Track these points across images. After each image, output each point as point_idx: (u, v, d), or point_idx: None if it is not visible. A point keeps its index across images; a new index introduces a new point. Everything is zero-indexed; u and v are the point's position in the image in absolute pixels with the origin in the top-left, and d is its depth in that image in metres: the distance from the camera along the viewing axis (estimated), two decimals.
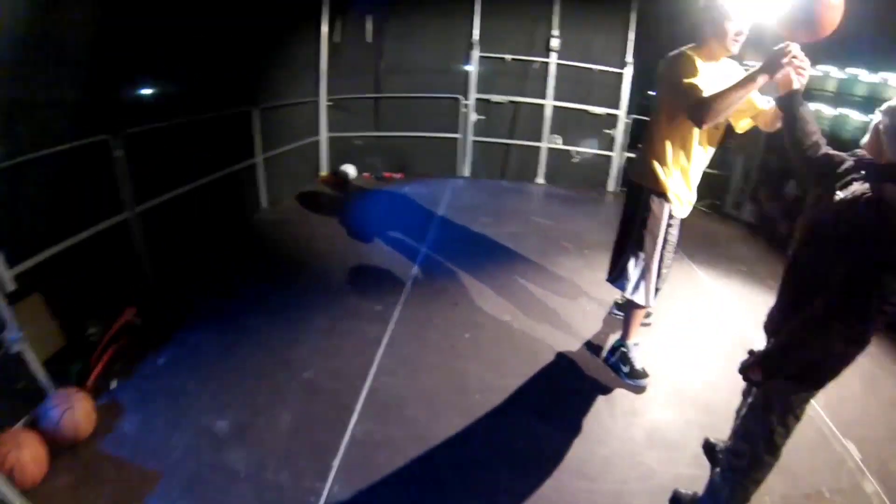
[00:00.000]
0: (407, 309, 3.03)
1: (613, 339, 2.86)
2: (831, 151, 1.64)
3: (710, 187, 6.33)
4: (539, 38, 5.68)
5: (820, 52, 1.79)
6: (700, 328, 3.23)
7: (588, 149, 6.00)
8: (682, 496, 2.00)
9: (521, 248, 3.99)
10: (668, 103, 2.27)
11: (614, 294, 3.20)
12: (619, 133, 5.90)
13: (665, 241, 2.45)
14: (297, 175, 5.27)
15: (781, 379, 1.58)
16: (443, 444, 2.11)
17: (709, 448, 2.23)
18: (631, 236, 2.52)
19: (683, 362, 2.85)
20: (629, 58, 5.71)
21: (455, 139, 5.88)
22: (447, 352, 2.71)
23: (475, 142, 5.89)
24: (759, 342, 1.68)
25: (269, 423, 2.14)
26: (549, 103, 5.80)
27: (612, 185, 6.08)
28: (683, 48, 2.23)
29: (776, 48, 1.77)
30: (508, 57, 5.63)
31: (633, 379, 2.64)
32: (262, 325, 2.81)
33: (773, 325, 1.73)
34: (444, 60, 5.76)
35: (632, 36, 5.68)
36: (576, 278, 3.60)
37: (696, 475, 2.05)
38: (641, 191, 2.45)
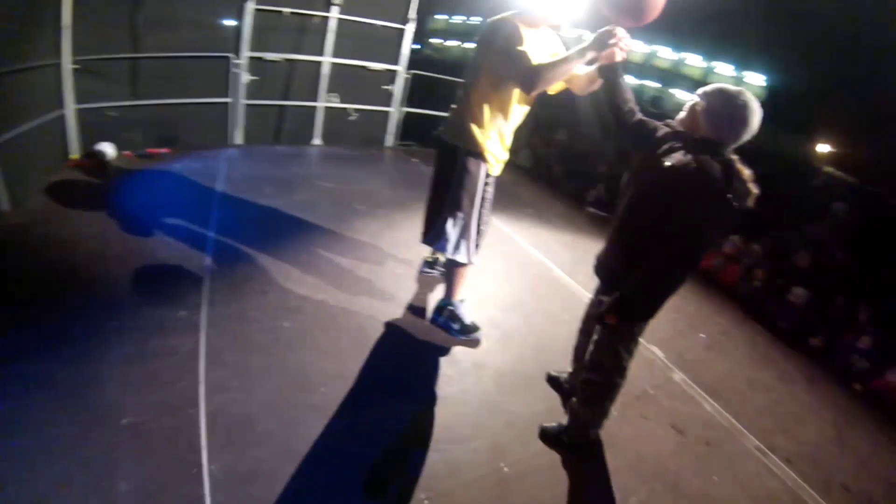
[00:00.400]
0: (214, 308, 2.75)
1: (433, 298, 3.11)
2: (645, 118, 2.04)
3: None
4: None
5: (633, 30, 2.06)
6: (509, 271, 3.76)
7: (367, 106, 6.08)
8: (549, 429, 2.35)
9: (315, 217, 3.95)
10: (491, 69, 2.34)
11: (420, 252, 3.48)
12: (398, 89, 6.13)
13: (483, 199, 2.59)
14: (41, 162, 4.02)
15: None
16: (314, 451, 2.04)
17: (552, 380, 2.68)
18: (447, 197, 2.59)
19: (503, 306, 3.28)
20: (412, 13, 5.81)
21: (225, 104, 5.27)
22: (273, 347, 2.58)
23: (248, 105, 5.37)
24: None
25: None
26: (328, 60, 5.58)
27: (390, 140, 6.38)
28: (506, 14, 2.32)
29: (604, 29, 2.02)
30: (286, 10, 5.15)
31: (467, 334, 2.83)
32: (42, 370, 2.16)
33: (608, 271, 2.10)
34: (213, 13, 4.99)
35: None
36: (378, 241, 3.77)
37: (551, 407, 2.52)
38: (457, 151, 2.52)
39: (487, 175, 2.58)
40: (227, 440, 2.03)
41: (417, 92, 6.37)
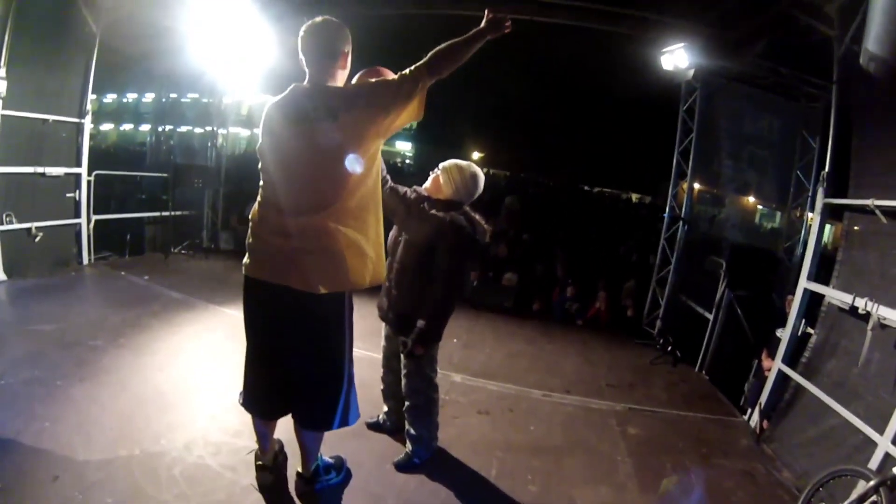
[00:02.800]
0: None
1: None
2: (395, 185, 2.57)
3: (186, 229, 6.85)
4: None
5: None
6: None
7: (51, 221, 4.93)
8: (400, 461, 2.64)
9: (53, 370, 3.09)
10: (372, 125, 1.87)
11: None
12: (84, 195, 5.23)
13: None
14: None
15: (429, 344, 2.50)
16: None
17: (373, 426, 2.92)
18: (345, 345, 2.08)
19: None
20: (88, 105, 5.08)
21: None
22: None
23: None
24: None
25: None
26: None
27: (86, 256, 5.37)
28: (323, 85, 1.92)
29: (495, 16, 1.90)
30: None
31: (341, 469, 2.51)
32: None
33: (398, 314, 2.53)
34: None
35: (92, 77, 5.03)
36: (139, 374, 3.21)
37: (387, 445, 2.77)
38: (334, 299, 1.97)
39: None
40: None
41: (98, 191, 5.60)
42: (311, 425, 2.16)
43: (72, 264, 5.24)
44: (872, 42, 2.78)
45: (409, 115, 1.95)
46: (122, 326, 3.88)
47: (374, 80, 1.99)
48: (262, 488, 2.29)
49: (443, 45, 1.89)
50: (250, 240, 2.01)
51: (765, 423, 3.68)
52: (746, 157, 6.65)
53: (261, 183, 2.01)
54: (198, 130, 9.67)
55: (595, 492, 2.76)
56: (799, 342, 3.73)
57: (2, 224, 4.49)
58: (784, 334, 3.83)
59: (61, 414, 2.71)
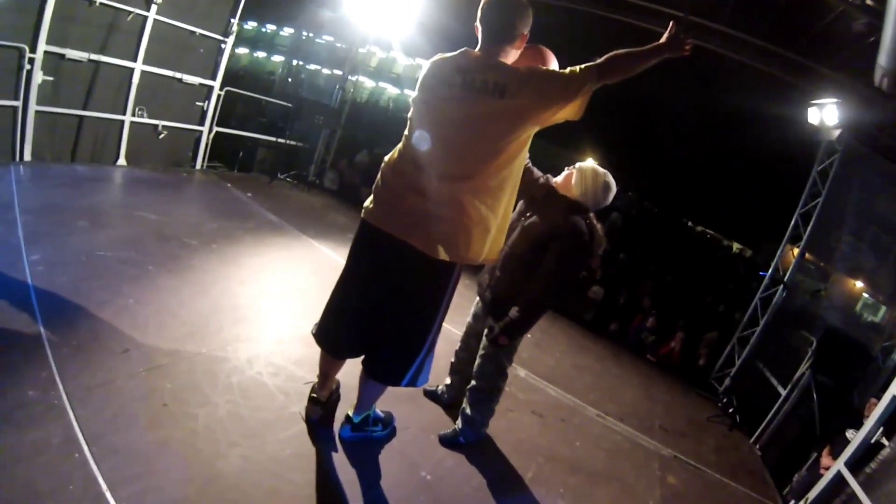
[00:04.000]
0: (73, 382, 2.16)
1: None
2: (534, 170, 2.53)
3: (296, 159, 7.15)
4: None
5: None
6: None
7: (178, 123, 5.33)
8: (446, 435, 2.67)
9: (147, 256, 3.38)
10: (534, 112, 1.84)
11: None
12: (211, 106, 5.58)
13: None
14: None
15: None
16: None
17: (430, 394, 2.99)
18: (440, 311, 2.08)
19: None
20: (234, 27, 5.33)
21: (12, 108, 3.99)
22: (163, 416, 2.16)
23: (40, 113, 4.16)
24: None
25: None
26: (140, 67, 4.69)
27: (199, 162, 5.76)
28: (496, 59, 1.89)
29: (676, 33, 1.84)
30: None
31: (389, 427, 2.57)
32: None
33: (493, 295, 2.52)
34: None
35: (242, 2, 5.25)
36: (223, 279, 3.47)
37: (435, 417, 2.83)
38: (447, 268, 1.98)
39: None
40: None
41: (224, 107, 5.97)
42: (381, 377, 2.20)
43: (185, 166, 5.65)
44: (886, 57, 2.52)
45: (569, 112, 1.90)
46: (217, 233, 4.13)
47: (544, 68, 1.93)
48: (309, 419, 2.42)
49: (619, 52, 1.83)
50: (381, 188, 2.02)
51: None
52: (869, 238, 6.05)
53: (405, 133, 2.00)
54: (326, 72, 9.97)
55: None
56: (869, 450, 3.40)
57: (134, 116, 4.89)
58: (856, 437, 3.50)
59: (145, 297, 2.95)
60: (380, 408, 2.52)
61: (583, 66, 1.84)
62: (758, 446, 4.69)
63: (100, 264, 3.15)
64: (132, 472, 1.88)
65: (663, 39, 1.85)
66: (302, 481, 2.13)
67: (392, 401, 2.58)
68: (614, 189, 2.50)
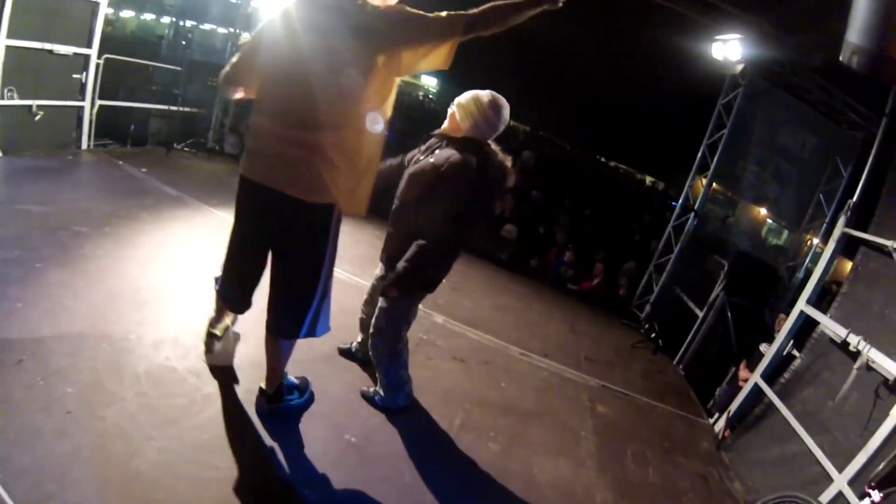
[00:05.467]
0: None
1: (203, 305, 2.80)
2: (405, 156, 2.43)
3: (193, 127, 6.64)
4: None
5: None
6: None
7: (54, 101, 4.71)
8: (367, 393, 2.64)
9: (34, 251, 3.01)
10: (388, 44, 1.78)
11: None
12: (91, 77, 4.99)
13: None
14: None
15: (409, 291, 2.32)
16: None
17: (344, 352, 2.92)
18: (325, 259, 2.08)
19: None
20: None
21: None
22: (70, 424, 1.99)
23: None
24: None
25: None
26: (3, 42, 4.06)
27: (85, 141, 5.19)
28: None
29: None
30: None
31: (304, 393, 2.47)
32: None
33: (387, 250, 2.39)
34: None
35: None
36: (119, 264, 3.18)
37: (357, 375, 2.77)
38: (323, 211, 1.98)
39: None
40: None
41: (109, 78, 5.39)
42: (279, 331, 2.17)
43: (70, 148, 5.08)
44: (856, 33, 2.49)
45: (433, 61, 1.86)
46: (110, 216, 3.78)
47: (407, 10, 1.82)
48: (210, 359, 2.47)
49: (493, 5, 1.78)
50: (250, 141, 2.04)
51: (727, 432, 3.77)
52: (772, 167, 6.51)
53: (259, 84, 1.96)
54: (221, 31, 9.21)
55: (554, 463, 2.83)
56: (781, 362, 3.76)
57: (2, 98, 4.27)
58: (769, 350, 3.86)
59: (34, 297, 2.68)
60: (293, 374, 2.47)
61: (451, 13, 1.77)
62: (681, 367, 5.10)
63: None
64: (46, 491, 1.75)
65: None
66: (225, 465, 2.07)
67: (308, 365, 2.55)
68: (505, 106, 2.27)
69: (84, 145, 5.21)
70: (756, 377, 3.81)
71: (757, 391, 3.77)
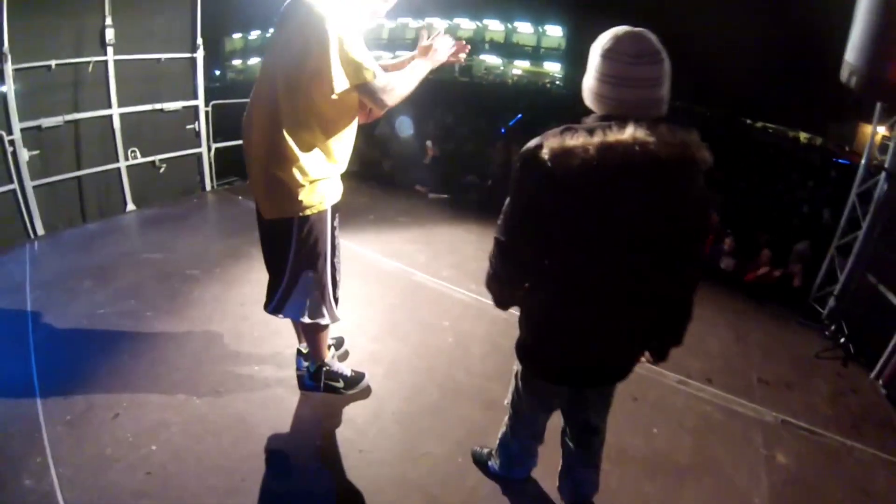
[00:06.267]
0: (64, 463, 2.04)
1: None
2: None
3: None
4: (89, 32, 4.31)
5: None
6: (369, 293, 3.45)
7: (173, 153, 5.17)
8: (476, 452, 2.21)
9: (146, 301, 3.22)
10: (317, 77, 1.77)
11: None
12: (202, 125, 5.38)
13: (334, 246, 2.18)
14: None
15: None
16: None
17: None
18: (288, 266, 2.13)
19: (376, 335, 3.03)
20: (199, 39, 5.08)
21: (11, 192, 4.03)
22: (149, 484, 2.02)
23: (37, 187, 4.17)
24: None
25: None
26: (117, 111, 4.60)
27: (208, 183, 5.59)
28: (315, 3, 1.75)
29: (442, 38, 1.97)
30: (54, 63, 4.12)
31: (354, 387, 2.51)
32: None
33: (599, 368, 1.66)
34: None
35: (199, 13, 5.01)
36: (224, 306, 3.23)
37: (469, 430, 2.37)
38: (286, 224, 2.04)
39: (335, 214, 2.14)
40: None
41: (227, 121, 5.72)
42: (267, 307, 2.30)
43: (196, 191, 5.49)
44: (855, 54, 2.66)
45: (344, 111, 1.95)
46: (221, 256, 3.92)
47: (338, 39, 1.75)
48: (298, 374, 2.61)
49: (394, 77, 1.89)
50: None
51: None
52: None
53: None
54: None
55: None
56: None
57: (127, 160, 4.78)
58: None
59: (140, 349, 2.79)
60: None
61: (371, 68, 1.81)
62: (880, 382, 3.80)
63: (99, 323, 3.01)
64: None
65: (420, 51, 1.99)
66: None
67: (416, 422, 2.39)
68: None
69: (208, 187, 5.61)
70: None
71: None
